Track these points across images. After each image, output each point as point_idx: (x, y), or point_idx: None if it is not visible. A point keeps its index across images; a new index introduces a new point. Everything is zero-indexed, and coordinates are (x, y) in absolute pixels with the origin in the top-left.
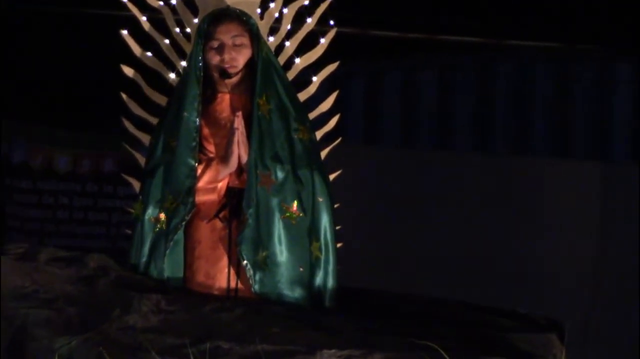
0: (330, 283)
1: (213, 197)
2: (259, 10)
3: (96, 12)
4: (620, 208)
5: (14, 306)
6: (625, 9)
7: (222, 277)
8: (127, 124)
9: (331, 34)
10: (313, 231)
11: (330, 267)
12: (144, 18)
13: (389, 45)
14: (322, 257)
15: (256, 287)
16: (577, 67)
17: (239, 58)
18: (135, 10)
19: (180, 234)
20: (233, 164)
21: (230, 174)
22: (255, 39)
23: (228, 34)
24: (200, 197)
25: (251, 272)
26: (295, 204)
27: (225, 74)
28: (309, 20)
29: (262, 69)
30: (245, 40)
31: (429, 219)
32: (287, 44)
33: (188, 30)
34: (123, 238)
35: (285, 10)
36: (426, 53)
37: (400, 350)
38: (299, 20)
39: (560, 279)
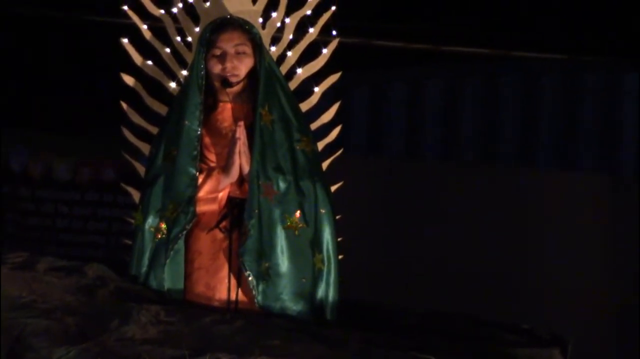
0: (332, 295)
1: (214, 207)
2: (261, 20)
3: (97, 20)
4: (628, 220)
5: (12, 316)
6: (631, 20)
7: (223, 288)
8: (127, 134)
9: (333, 44)
10: (316, 242)
11: (332, 280)
12: (145, 26)
13: (393, 55)
14: (325, 269)
15: (259, 298)
16: (584, 78)
17: (241, 67)
18: (136, 19)
19: (180, 244)
20: (234, 174)
21: (231, 184)
22: (258, 49)
23: (230, 42)
24: (200, 207)
25: (254, 283)
26: (297, 215)
27: (226, 83)
28: (311, 30)
29: (265, 79)
30: (247, 49)
31: (433, 231)
32: (289, 53)
33: (189, 39)
34: (123, 248)
35: (287, 20)
36: (431, 64)
37: None
38: (301, 30)
39: (566, 293)
